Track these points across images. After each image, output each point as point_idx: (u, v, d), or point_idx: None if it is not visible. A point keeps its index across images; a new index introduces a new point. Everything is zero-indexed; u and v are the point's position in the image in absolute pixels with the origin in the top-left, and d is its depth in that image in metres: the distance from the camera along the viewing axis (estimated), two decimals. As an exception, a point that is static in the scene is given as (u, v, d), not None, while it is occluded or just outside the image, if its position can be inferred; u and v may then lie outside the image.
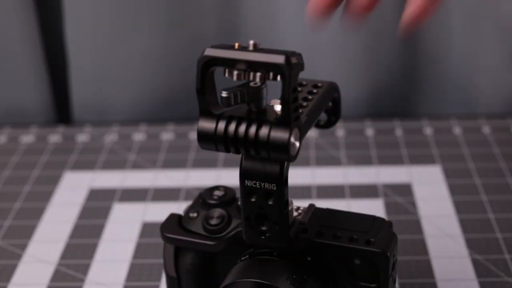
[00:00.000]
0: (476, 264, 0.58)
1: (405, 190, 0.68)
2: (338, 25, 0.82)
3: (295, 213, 0.46)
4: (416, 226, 0.63)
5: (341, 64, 0.83)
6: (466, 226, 0.63)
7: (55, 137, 0.82)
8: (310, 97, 0.44)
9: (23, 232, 0.65)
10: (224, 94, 0.40)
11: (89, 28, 0.84)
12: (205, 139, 0.41)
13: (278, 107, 0.41)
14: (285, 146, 0.39)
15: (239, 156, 0.42)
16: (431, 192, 0.68)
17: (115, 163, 0.76)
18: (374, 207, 0.66)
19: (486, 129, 0.78)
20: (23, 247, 0.63)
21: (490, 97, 0.84)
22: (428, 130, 0.79)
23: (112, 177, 0.73)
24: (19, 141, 0.82)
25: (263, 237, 0.43)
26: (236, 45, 0.39)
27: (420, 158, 0.74)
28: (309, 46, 0.83)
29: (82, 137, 0.82)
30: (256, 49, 0.39)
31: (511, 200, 0.66)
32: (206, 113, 0.41)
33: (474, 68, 0.83)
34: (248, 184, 0.42)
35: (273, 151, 0.40)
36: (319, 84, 0.46)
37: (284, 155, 0.40)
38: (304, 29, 0.82)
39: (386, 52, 0.84)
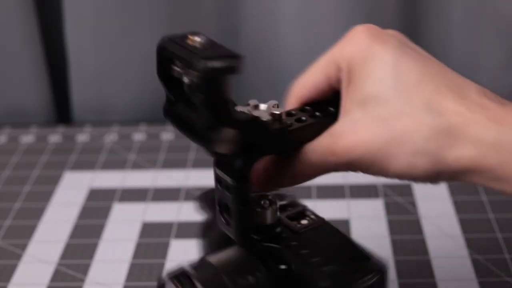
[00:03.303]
0: (476, 264, 0.58)
1: (405, 190, 0.68)
2: (338, 25, 0.82)
3: (305, 221, 0.46)
4: (416, 226, 0.63)
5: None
6: (466, 226, 0.63)
7: (55, 137, 0.82)
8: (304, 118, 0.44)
9: (23, 232, 0.65)
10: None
11: (89, 28, 0.84)
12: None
13: (262, 106, 0.42)
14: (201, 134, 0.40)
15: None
16: (431, 192, 0.68)
17: (115, 163, 0.76)
18: (374, 207, 0.66)
19: (486, 129, 0.78)
20: (23, 247, 0.63)
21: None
22: (428, 130, 0.79)
23: (112, 177, 0.73)
24: (19, 141, 0.82)
25: (227, 227, 0.44)
26: (190, 38, 0.40)
27: (420, 158, 0.73)
28: (309, 46, 0.83)
29: (82, 137, 0.82)
30: (203, 45, 0.39)
31: (511, 200, 0.66)
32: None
33: (473, 68, 0.83)
34: (217, 171, 0.43)
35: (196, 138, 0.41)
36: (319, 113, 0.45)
37: (208, 147, 0.40)
38: (304, 29, 0.82)
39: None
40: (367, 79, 0.40)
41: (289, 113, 0.44)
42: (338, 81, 0.43)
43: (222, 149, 0.40)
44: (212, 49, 0.40)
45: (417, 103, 0.39)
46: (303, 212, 0.47)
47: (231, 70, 0.39)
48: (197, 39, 0.40)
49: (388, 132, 0.39)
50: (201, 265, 0.44)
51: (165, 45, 0.40)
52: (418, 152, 0.38)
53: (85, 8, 0.83)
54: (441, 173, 0.39)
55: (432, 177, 0.39)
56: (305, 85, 0.45)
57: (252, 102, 0.43)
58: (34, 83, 0.87)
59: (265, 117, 0.41)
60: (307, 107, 0.44)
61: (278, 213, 0.47)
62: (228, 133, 0.40)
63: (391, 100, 0.40)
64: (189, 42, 0.40)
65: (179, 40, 0.40)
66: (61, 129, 0.84)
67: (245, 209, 0.43)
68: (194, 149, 0.78)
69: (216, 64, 0.38)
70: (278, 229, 0.46)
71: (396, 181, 0.71)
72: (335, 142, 0.40)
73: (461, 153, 0.38)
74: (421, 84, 0.40)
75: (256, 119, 0.41)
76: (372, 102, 0.40)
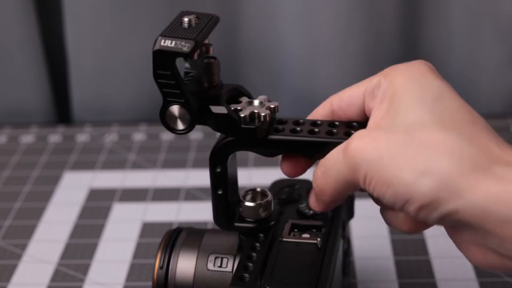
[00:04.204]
0: (476, 264, 0.58)
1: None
2: (338, 25, 0.82)
3: (306, 235, 0.46)
4: (416, 226, 0.63)
5: (341, 63, 0.83)
6: (466, 226, 0.63)
7: (55, 137, 0.82)
8: (316, 129, 0.44)
9: (23, 232, 0.65)
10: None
11: (89, 28, 0.84)
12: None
13: (256, 102, 0.43)
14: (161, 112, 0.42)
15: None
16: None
17: (115, 163, 0.76)
18: (374, 207, 0.66)
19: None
20: (23, 247, 0.63)
21: (490, 97, 0.84)
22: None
23: (112, 177, 0.73)
24: (19, 141, 0.82)
25: None
26: (185, 21, 0.41)
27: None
28: (309, 46, 0.83)
29: (82, 137, 0.82)
30: (189, 26, 0.41)
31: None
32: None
33: (473, 68, 0.83)
34: None
35: None
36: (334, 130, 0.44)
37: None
38: (304, 28, 0.82)
39: (385, 52, 0.84)
40: (407, 96, 0.40)
41: (296, 122, 0.44)
42: (372, 94, 0.42)
43: (168, 123, 0.43)
44: (184, 30, 0.41)
45: (448, 125, 0.38)
46: (317, 227, 0.47)
47: (180, 52, 0.40)
48: (186, 19, 0.41)
49: (405, 141, 0.37)
50: (196, 231, 0.48)
51: (178, 15, 0.42)
52: (430, 168, 0.36)
53: (85, 8, 0.83)
54: (444, 200, 0.36)
55: (430, 202, 0.36)
56: (342, 93, 0.44)
57: (261, 98, 0.43)
58: (34, 83, 0.87)
59: (244, 114, 0.42)
60: (319, 122, 0.44)
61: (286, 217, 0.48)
62: (174, 109, 0.42)
63: (422, 115, 0.38)
64: (183, 19, 0.42)
65: (179, 16, 0.42)
66: (61, 129, 0.84)
67: (216, 193, 0.45)
68: (194, 149, 0.78)
69: (167, 43, 0.40)
70: (267, 229, 0.46)
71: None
72: (351, 141, 0.40)
73: (480, 185, 0.35)
74: (459, 113, 0.39)
75: (228, 113, 0.42)
76: (401, 115, 0.39)
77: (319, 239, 0.45)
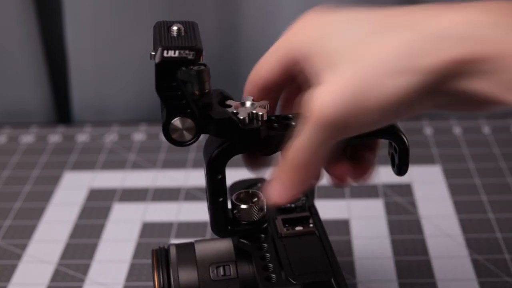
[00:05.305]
0: (476, 264, 0.58)
1: (405, 190, 0.68)
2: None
3: (299, 227, 0.47)
4: (416, 226, 0.63)
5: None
6: (466, 226, 0.63)
7: (55, 137, 0.82)
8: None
9: (23, 232, 0.65)
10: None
11: (89, 28, 0.84)
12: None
13: (248, 103, 0.43)
14: (164, 127, 0.42)
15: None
16: (431, 192, 0.68)
17: (115, 163, 0.76)
18: (374, 207, 0.66)
19: (486, 129, 0.79)
20: (23, 247, 0.63)
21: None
22: (428, 130, 0.79)
23: (112, 177, 0.73)
24: (19, 141, 0.82)
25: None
26: (175, 30, 0.41)
27: (420, 158, 0.74)
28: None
29: (82, 137, 0.82)
30: (179, 34, 0.41)
31: (511, 200, 0.66)
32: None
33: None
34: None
35: None
36: None
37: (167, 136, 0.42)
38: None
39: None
40: (329, 42, 0.39)
41: (285, 117, 0.44)
42: (300, 70, 0.42)
43: (174, 137, 0.42)
44: (179, 39, 0.40)
45: (382, 29, 0.38)
46: (305, 218, 0.47)
47: (185, 61, 0.40)
48: (175, 28, 0.41)
49: (363, 66, 0.37)
50: (185, 245, 0.47)
51: (155, 26, 0.42)
52: (396, 70, 0.36)
53: (85, 8, 0.83)
54: (428, 84, 0.36)
55: (423, 92, 0.36)
56: (260, 75, 0.45)
57: (247, 99, 0.43)
58: (34, 83, 0.87)
59: (243, 115, 0.42)
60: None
61: (275, 214, 0.48)
62: (177, 122, 0.42)
63: (357, 42, 0.38)
64: (171, 29, 0.41)
65: (165, 26, 0.41)
66: (61, 129, 0.84)
67: (217, 201, 0.44)
68: (194, 149, 0.78)
69: (170, 53, 0.40)
70: (265, 228, 0.47)
71: (396, 181, 0.71)
72: (315, 106, 0.38)
73: (444, 53, 0.35)
74: (384, 18, 0.39)
75: (230, 117, 0.42)
76: (339, 56, 0.38)
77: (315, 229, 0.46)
